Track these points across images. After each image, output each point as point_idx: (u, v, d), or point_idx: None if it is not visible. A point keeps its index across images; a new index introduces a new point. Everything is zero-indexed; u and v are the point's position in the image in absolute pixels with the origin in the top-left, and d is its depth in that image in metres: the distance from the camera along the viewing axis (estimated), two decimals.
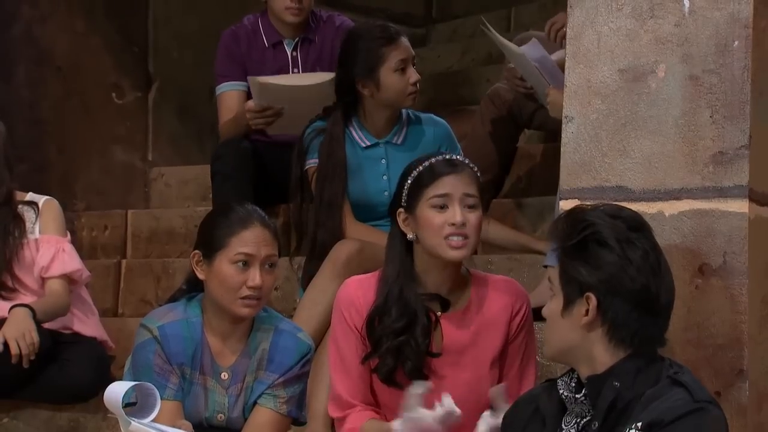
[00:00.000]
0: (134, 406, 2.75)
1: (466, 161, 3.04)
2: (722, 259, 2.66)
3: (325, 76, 4.34)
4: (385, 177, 4.04)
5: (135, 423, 2.71)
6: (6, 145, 4.18)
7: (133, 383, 2.75)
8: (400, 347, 2.97)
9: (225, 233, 3.11)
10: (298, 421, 3.27)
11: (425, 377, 2.97)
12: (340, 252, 3.80)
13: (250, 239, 3.10)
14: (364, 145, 4.04)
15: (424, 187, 2.98)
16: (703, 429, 2.35)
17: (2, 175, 4.14)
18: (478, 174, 3.04)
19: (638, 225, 2.52)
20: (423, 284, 3.02)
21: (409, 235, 3.01)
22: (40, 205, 4.20)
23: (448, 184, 2.97)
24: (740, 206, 2.65)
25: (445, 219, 2.96)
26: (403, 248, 3.03)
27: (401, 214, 3.02)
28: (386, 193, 4.03)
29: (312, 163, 4.04)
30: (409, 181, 3.01)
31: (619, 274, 2.44)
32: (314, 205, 4.00)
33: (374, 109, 4.04)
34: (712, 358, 2.66)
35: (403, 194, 3.02)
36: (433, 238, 2.97)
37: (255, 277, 3.08)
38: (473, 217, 2.98)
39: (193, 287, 3.23)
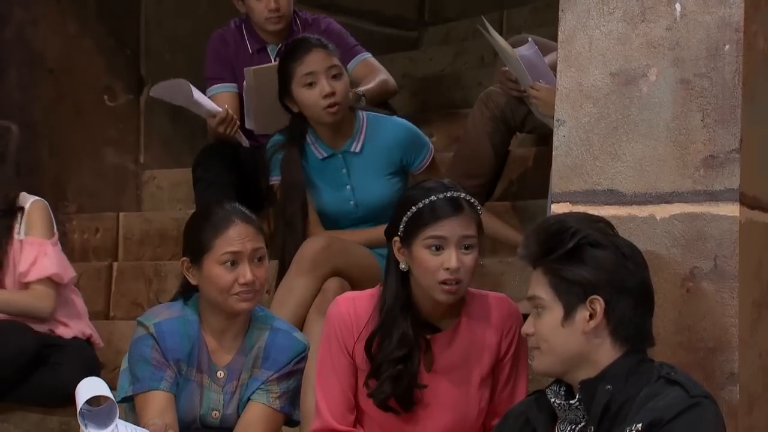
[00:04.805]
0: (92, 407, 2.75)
1: (469, 199, 2.95)
2: (713, 262, 2.66)
3: None
4: (348, 186, 4.01)
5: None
6: (18, 148, 4.15)
7: (103, 394, 2.76)
8: (399, 376, 2.93)
9: (209, 236, 3.12)
10: (292, 420, 3.27)
11: (414, 400, 2.96)
12: (306, 250, 3.80)
13: (234, 237, 3.10)
14: (321, 157, 4.00)
15: (422, 226, 2.89)
16: (702, 423, 2.36)
17: (13, 179, 4.13)
18: (480, 210, 2.97)
19: (611, 227, 2.57)
20: (418, 309, 2.98)
21: (402, 266, 2.95)
22: (27, 205, 4.15)
23: (446, 227, 2.89)
24: (731, 210, 2.65)
25: (440, 262, 2.88)
26: (400, 276, 2.97)
27: (396, 243, 2.96)
28: (352, 203, 4.01)
29: (275, 180, 4.03)
30: (408, 214, 2.92)
31: (621, 271, 2.46)
32: (278, 225, 3.99)
33: (314, 124, 4.00)
34: (702, 362, 2.66)
35: (401, 224, 2.93)
36: (427, 279, 2.91)
37: (245, 273, 3.09)
38: (468, 259, 2.90)
39: (188, 289, 3.24)
